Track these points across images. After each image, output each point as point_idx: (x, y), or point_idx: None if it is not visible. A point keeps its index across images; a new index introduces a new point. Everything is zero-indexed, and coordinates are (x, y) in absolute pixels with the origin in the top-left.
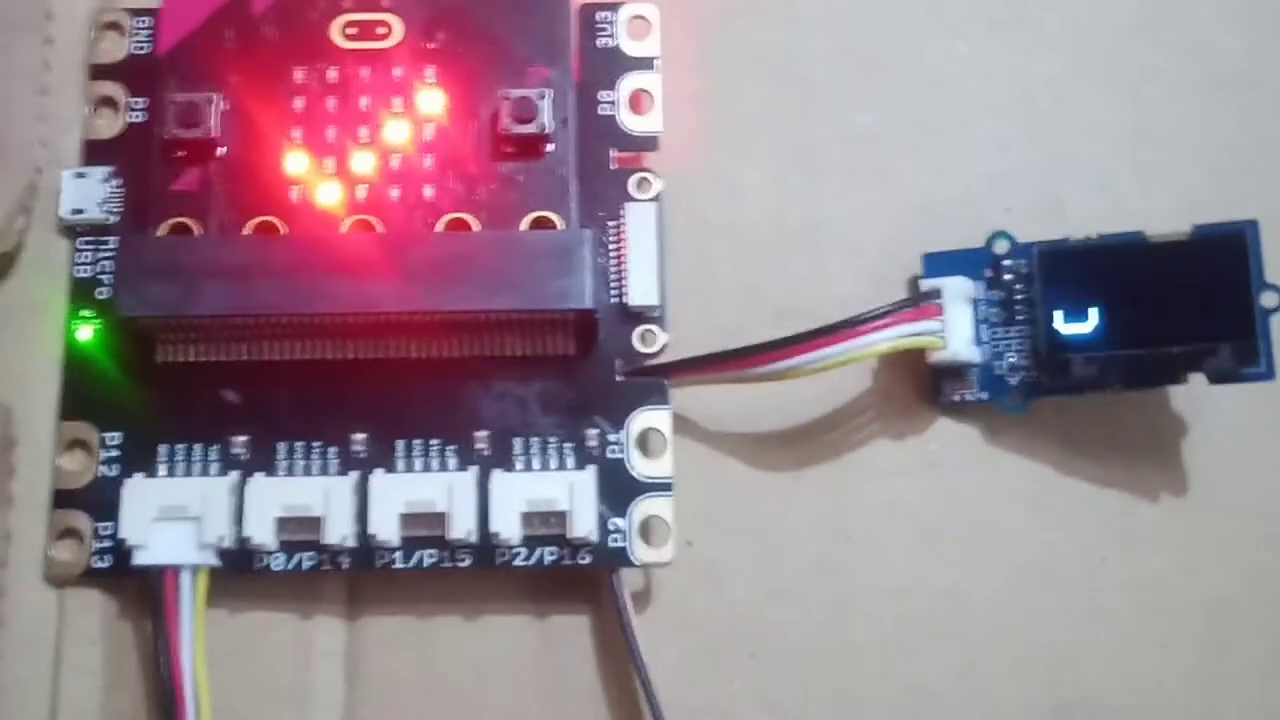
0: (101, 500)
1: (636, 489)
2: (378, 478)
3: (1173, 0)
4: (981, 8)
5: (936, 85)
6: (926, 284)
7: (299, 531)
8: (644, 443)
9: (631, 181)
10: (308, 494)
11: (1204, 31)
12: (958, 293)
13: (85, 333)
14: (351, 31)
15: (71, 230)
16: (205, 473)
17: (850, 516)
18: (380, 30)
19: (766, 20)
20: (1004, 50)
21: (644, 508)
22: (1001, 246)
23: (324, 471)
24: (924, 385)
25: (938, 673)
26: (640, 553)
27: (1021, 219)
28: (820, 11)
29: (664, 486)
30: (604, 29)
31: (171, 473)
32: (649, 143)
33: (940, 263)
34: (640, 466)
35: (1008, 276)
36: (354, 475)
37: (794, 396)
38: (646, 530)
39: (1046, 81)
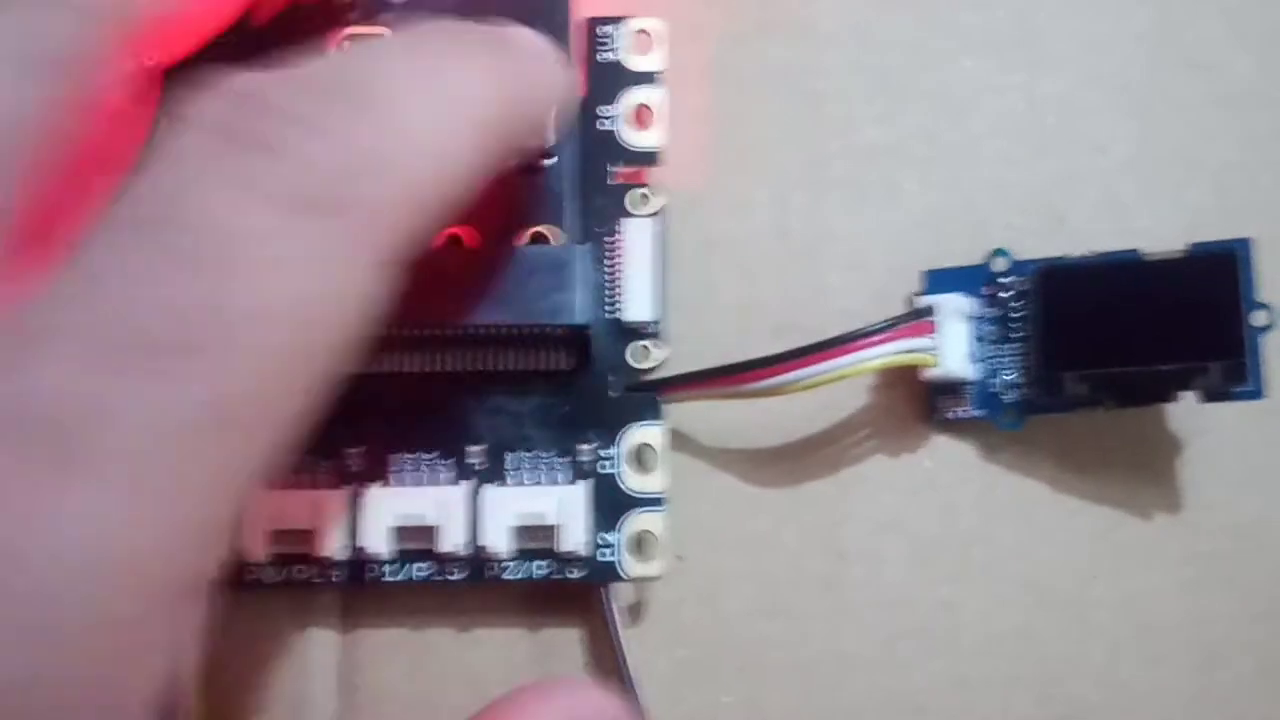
0: None
1: (628, 504)
2: (370, 491)
3: (1181, 19)
4: (989, 24)
5: (943, 101)
6: (921, 301)
7: (291, 544)
8: (637, 458)
9: (631, 197)
10: (300, 507)
11: (1212, 50)
12: (953, 310)
13: None
14: (348, 45)
15: None
16: None
17: (844, 532)
18: None
19: (773, 36)
20: (1011, 67)
21: (635, 522)
22: (1000, 263)
23: (316, 485)
24: (920, 402)
25: (930, 687)
26: (631, 567)
27: (1024, 235)
28: (827, 28)
29: (656, 501)
30: (606, 42)
31: None
32: (650, 158)
33: (940, 279)
34: (632, 481)
35: (1005, 294)
36: (346, 489)
37: (790, 412)
38: (638, 545)
39: (1053, 98)
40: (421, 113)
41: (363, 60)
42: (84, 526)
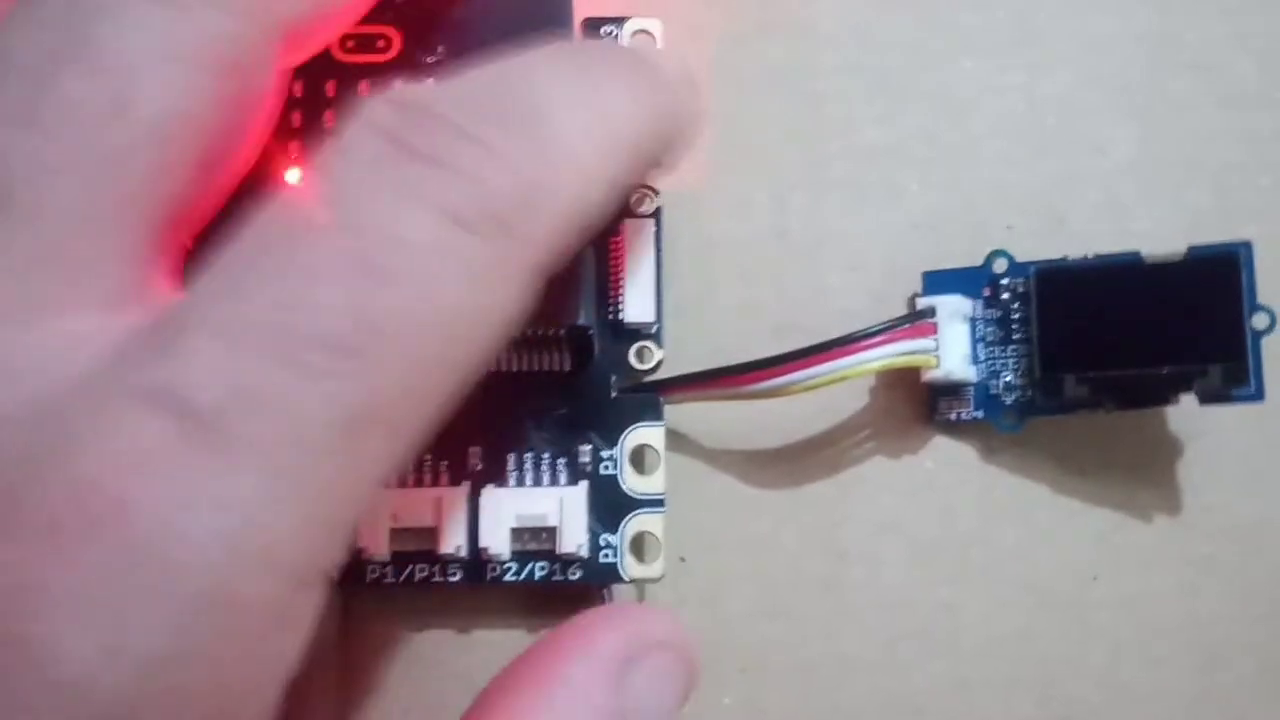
0: None
1: (629, 505)
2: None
3: (1181, 20)
4: (990, 25)
5: (943, 102)
6: (922, 302)
7: None
8: (637, 459)
9: (631, 198)
10: None
11: (1212, 51)
12: (953, 311)
13: None
14: (350, 45)
15: None
16: None
17: (845, 533)
18: (380, 44)
19: (773, 36)
20: (1011, 67)
21: (635, 524)
22: (1000, 265)
23: None
24: (921, 403)
25: (929, 689)
26: (631, 569)
27: (1024, 236)
28: (827, 28)
29: (656, 503)
30: None
31: None
32: None
33: (939, 281)
34: (632, 483)
35: (1005, 295)
36: None
37: (790, 413)
38: (638, 546)
39: (1053, 99)
40: (584, 139)
41: (526, 76)
42: (235, 509)
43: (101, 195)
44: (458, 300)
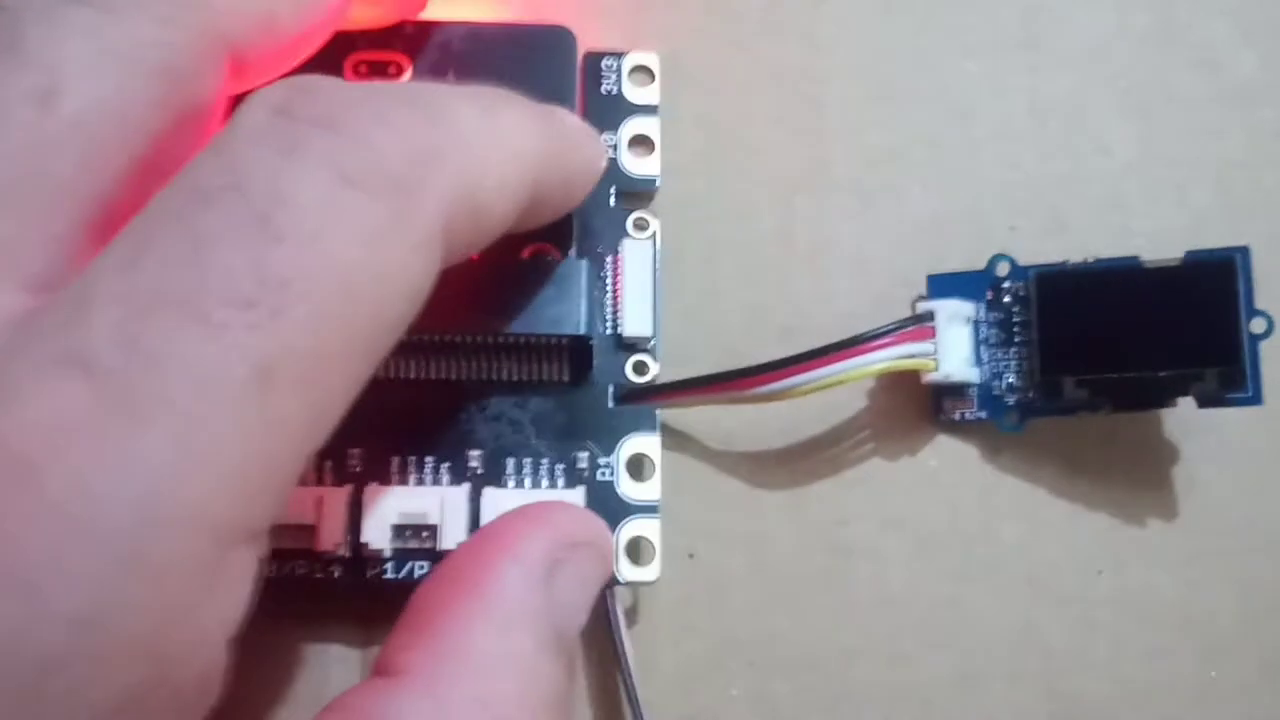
0: None
1: (624, 510)
2: (372, 488)
3: (1185, 19)
4: (993, 27)
5: (946, 105)
6: (922, 306)
7: (294, 540)
8: (633, 467)
9: (629, 220)
10: (302, 502)
11: (1215, 50)
12: (953, 314)
13: None
14: (363, 70)
15: None
16: None
17: (850, 530)
18: (391, 70)
19: (778, 40)
20: (1014, 69)
21: (631, 528)
22: (1002, 269)
23: (319, 482)
24: (924, 403)
25: (934, 683)
26: (626, 572)
27: (1027, 238)
28: (832, 32)
29: (651, 508)
30: (607, 76)
31: None
32: (648, 184)
33: (942, 284)
34: (628, 489)
35: (1006, 299)
36: (348, 487)
37: (796, 414)
38: (634, 550)
39: (1056, 100)
40: (478, 129)
41: (427, 85)
42: (148, 468)
43: (27, 182)
44: (353, 257)
